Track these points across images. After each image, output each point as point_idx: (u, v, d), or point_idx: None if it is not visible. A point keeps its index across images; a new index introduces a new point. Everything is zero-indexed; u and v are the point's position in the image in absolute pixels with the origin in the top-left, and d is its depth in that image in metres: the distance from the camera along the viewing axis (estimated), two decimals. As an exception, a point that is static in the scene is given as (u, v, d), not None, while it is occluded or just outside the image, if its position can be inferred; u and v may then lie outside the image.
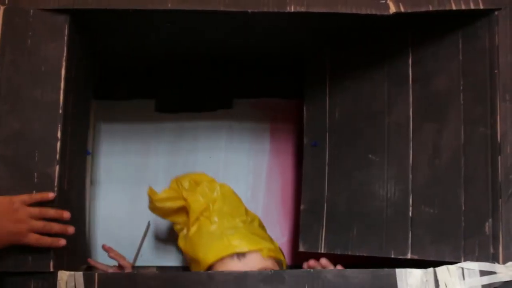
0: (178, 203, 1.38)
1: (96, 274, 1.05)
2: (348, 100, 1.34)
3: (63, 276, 1.04)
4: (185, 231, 1.39)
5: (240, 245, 1.27)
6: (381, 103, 1.26)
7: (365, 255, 1.24)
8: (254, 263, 1.26)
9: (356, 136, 1.31)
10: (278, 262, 1.33)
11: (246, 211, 1.41)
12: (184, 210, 1.39)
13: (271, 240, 1.36)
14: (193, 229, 1.35)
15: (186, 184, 1.39)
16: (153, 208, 1.41)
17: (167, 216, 1.42)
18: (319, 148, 1.39)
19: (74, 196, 1.22)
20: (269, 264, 1.28)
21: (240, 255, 1.26)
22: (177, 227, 1.42)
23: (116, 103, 1.61)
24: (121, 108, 1.61)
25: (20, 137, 1.07)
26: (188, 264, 1.42)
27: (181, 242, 1.39)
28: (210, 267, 1.26)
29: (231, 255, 1.26)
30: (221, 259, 1.26)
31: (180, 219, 1.41)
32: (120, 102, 1.61)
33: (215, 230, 1.32)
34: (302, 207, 1.43)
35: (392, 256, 1.19)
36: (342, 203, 1.32)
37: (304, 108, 1.48)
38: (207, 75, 1.61)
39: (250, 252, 1.27)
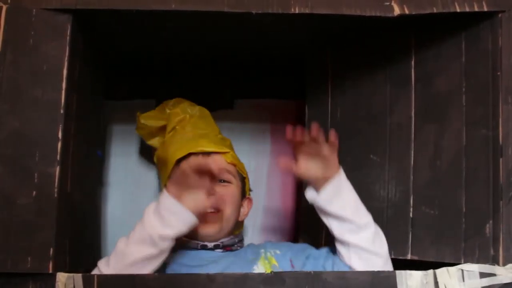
0: (161, 123, 1.48)
1: (96, 276, 1.04)
2: (350, 101, 1.34)
3: (62, 278, 1.03)
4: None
5: (208, 145, 1.35)
6: (383, 103, 1.27)
7: (365, 255, 1.24)
8: (216, 163, 1.30)
9: (357, 136, 1.31)
10: (240, 175, 1.39)
11: (220, 133, 1.48)
12: (164, 131, 1.47)
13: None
14: (168, 135, 1.44)
15: (170, 103, 1.49)
16: (138, 127, 1.50)
17: (150, 136, 1.49)
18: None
19: (79, 197, 1.22)
20: (230, 169, 1.35)
21: (205, 154, 1.34)
22: (157, 150, 1.48)
23: (116, 103, 1.61)
24: (122, 108, 1.61)
25: (20, 136, 1.06)
26: (158, 175, 1.49)
27: (155, 156, 1.47)
28: (176, 165, 1.33)
29: (197, 153, 1.33)
30: (188, 155, 1.33)
31: (161, 140, 1.49)
32: (120, 102, 1.61)
33: (187, 134, 1.42)
34: (302, 207, 1.43)
35: (392, 257, 1.19)
36: (342, 203, 1.32)
37: (306, 108, 1.48)
38: (208, 75, 1.61)
39: (215, 153, 1.35)
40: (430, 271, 1.04)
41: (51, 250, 1.04)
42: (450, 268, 1.04)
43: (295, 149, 1.19)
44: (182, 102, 1.49)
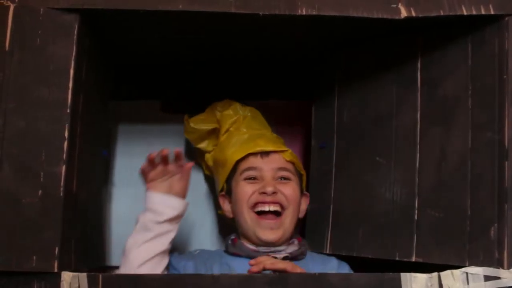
0: (212, 126, 1.47)
1: (100, 275, 1.04)
2: (357, 103, 1.34)
3: (67, 277, 1.04)
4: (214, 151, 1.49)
5: (266, 145, 1.38)
6: (389, 106, 1.26)
7: (370, 257, 1.25)
8: (275, 163, 1.36)
9: (363, 138, 1.31)
10: (298, 172, 1.40)
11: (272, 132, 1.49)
12: (216, 133, 1.47)
13: None
14: (223, 137, 1.45)
15: (219, 107, 1.48)
16: (188, 131, 1.51)
17: (200, 140, 1.49)
18: (327, 150, 1.39)
19: (85, 196, 1.22)
20: (289, 167, 1.37)
21: (264, 154, 1.37)
22: (207, 154, 1.50)
23: (121, 103, 1.60)
24: (127, 108, 1.61)
25: (27, 136, 1.06)
26: (213, 174, 1.51)
27: (209, 159, 1.49)
28: (235, 165, 1.38)
29: (255, 153, 1.37)
30: (247, 156, 1.37)
31: (211, 143, 1.49)
32: (125, 103, 1.60)
33: (243, 136, 1.43)
34: (308, 207, 1.43)
35: (397, 259, 1.19)
36: (348, 205, 1.32)
37: (313, 110, 1.48)
38: (214, 76, 1.61)
39: (273, 152, 1.38)
40: (435, 274, 1.04)
41: (56, 249, 1.04)
42: (454, 271, 1.04)
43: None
44: (233, 104, 1.49)
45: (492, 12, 1.09)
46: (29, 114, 1.06)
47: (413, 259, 1.17)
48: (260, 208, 1.31)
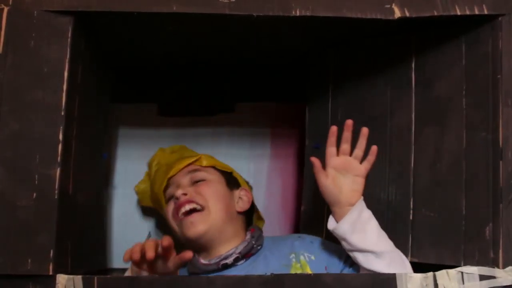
0: (147, 182, 1.53)
1: (96, 277, 1.04)
2: (351, 103, 1.34)
3: (62, 279, 1.03)
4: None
5: (178, 165, 1.37)
6: (383, 106, 1.27)
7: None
8: (187, 171, 1.36)
9: (357, 139, 1.30)
10: (222, 171, 1.39)
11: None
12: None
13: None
14: (151, 180, 1.50)
15: (152, 163, 1.53)
16: (141, 201, 1.55)
17: (157, 204, 1.46)
18: (321, 151, 1.38)
19: (83, 199, 1.22)
20: (204, 169, 1.37)
21: (182, 169, 1.37)
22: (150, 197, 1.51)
23: (118, 106, 1.60)
24: (123, 111, 1.61)
25: (21, 138, 1.06)
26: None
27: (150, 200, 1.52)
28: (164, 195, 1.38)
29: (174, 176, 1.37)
30: (168, 181, 1.37)
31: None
32: (122, 106, 1.61)
33: (163, 168, 1.45)
34: (302, 208, 1.44)
35: (392, 259, 1.19)
36: (343, 205, 1.32)
37: (307, 111, 1.48)
38: (208, 78, 1.61)
39: (188, 166, 1.37)
40: (430, 274, 1.05)
41: (51, 252, 1.04)
42: (449, 270, 1.05)
43: (328, 161, 1.19)
44: (158, 151, 1.55)
45: (486, 12, 1.09)
46: (23, 117, 1.06)
47: (409, 259, 1.17)
48: (180, 212, 1.29)
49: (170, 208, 1.33)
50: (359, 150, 1.19)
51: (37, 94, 1.06)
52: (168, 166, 1.42)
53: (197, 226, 1.27)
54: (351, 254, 1.16)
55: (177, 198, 1.30)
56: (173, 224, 1.32)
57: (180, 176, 1.36)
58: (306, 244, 1.29)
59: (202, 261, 1.28)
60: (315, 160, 1.18)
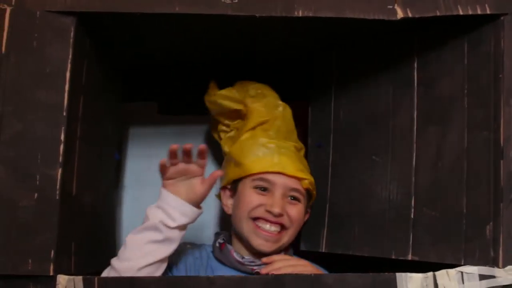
0: (236, 106, 1.40)
1: (96, 278, 1.04)
2: (353, 102, 1.34)
3: (62, 280, 1.04)
4: (232, 133, 1.43)
5: (287, 167, 1.30)
6: (386, 105, 1.27)
7: (366, 255, 1.25)
8: (289, 182, 1.30)
9: (360, 137, 1.31)
10: (309, 196, 1.36)
11: (297, 138, 1.43)
12: (238, 114, 1.41)
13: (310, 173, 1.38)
14: (246, 135, 1.37)
15: (252, 92, 1.40)
16: (210, 101, 1.42)
17: (218, 114, 1.43)
18: (323, 149, 1.39)
19: (89, 199, 1.22)
20: (302, 189, 1.32)
21: (283, 174, 1.30)
22: (223, 127, 1.45)
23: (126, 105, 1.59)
24: (124, 110, 1.59)
25: (23, 138, 1.06)
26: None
27: (226, 143, 1.43)
28: (251, 175, 1.30)
29: (276, 172, 1.30)
30: (266, 172, 1.30)
31: (230, 121, 1.44)
32: (122, 105, 1.59)
33: (269, 144, 1.34)
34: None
35: (393, 257, 1.20)
36: (344, 204, 1.33)
37: (309, 109, 1.48)
38: (211, 77, 1.60)
39: (292, 176, 1.31)
40: (430, 274, 1.05)
41: (52, 252, 1.04)
42: (449, 270, 1.05)
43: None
44: (267, 95, 1.41)
45: (488, 12, 1.09)
46: (25, 117, 1.06)
47: (409, 257, 1.17)
48: (261, 224, 1.27)
49: (250, 197, 1.29)
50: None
51: (40, 94, 1.06)
52: (275, 150, 1.33)
53: (269, 247, 1.27)
54: None
55: (269, 212, 1.27)
56: (243, 214, 1.29)
57: (280, 178, 1.30)
58: None
59: (236, 256, 1.29)
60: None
